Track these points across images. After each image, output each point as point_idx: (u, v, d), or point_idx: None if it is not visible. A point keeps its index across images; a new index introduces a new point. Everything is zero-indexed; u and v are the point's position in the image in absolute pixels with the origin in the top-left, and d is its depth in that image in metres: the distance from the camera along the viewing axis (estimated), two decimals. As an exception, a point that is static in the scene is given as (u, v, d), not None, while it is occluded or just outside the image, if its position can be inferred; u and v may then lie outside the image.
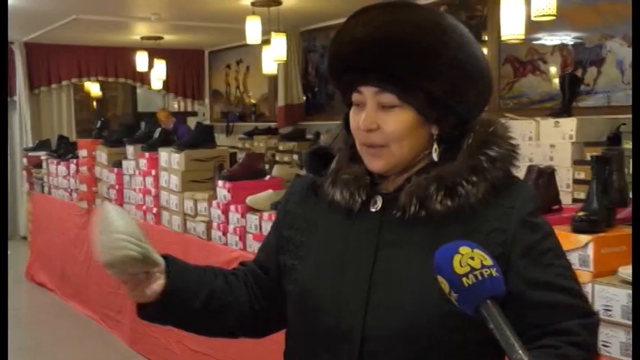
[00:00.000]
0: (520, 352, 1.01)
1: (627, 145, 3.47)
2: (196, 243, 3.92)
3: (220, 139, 7.98)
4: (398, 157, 1.27)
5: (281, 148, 6.51)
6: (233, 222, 3.66)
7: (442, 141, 1.27)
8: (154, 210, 4.43)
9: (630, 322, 1.93)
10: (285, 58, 6.63)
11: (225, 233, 3.71)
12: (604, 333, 1.98)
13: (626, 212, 2.36)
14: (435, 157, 1.27)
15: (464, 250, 1.08)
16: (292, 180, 1.47)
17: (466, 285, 1.06)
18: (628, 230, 2.22)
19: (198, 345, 3.88)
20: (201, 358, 3.84)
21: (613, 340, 1.97)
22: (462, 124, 1.26)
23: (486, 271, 1.06)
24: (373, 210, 1.29)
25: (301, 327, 1.26)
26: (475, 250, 1.08)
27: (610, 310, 1.97)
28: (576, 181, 3.74)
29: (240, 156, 4.25)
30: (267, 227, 3.40)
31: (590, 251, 2.05)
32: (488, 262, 1.08)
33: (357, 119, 1.28)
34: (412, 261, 1.22)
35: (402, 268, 1.23)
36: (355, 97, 1.28)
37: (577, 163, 3.70)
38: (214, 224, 3.80)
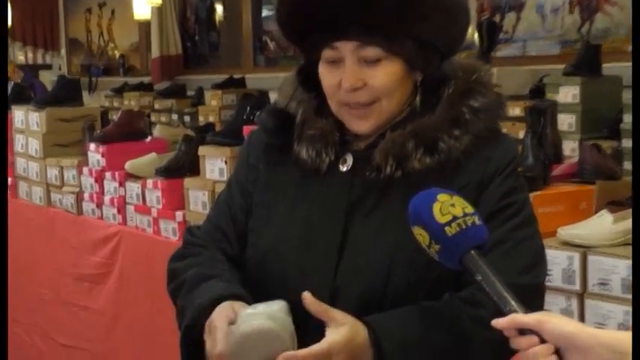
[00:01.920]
0: (513, 303, 1.06)
1: (551, 97, 3.61)
2: (64, 218, 3.83)
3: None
4: (387, 114, 1.30)
5: (157, 106, 6.35)
6: (109, 192, 3.59)
7: (423, 88, 1.31)
8: (9, 180, 4.25)
9: (572, 287, 2.03)
10: (161, 1, 6.45)
11: (99, 205, 3.64)
12: (548, 302, 2.07)
13: (562, 169, 2.48)
14: (418, 105, 1.30)
15: (443, 197, 1.12)
16: (250, 131, 1.47)
17: (449, 235, 1.09)
18: (565, 188, 2.33)
19: (69, 339, 3.81)
20: (75, 353, 3.78)
21: (553, 307, 2.06)
22: (442, 62, 1.30)
23: (469, 219, 1.10)
24: (343, 169, 1.31)
25: (261, 299, 1.26)
26: (455, 197, 1.12)
27: (549, 275, 2.06)
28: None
29: (114, 115, 4.12)
30: (151, 197, 3.34)
31: (528, 211, 2.14)
32: (470, 209, 1.12)
33: (335, 78, 1.28)
34: (386, 225, 1.25)
35: (374, 233, 1.26)
36: (327, 53, 1.28)
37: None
38: (86, 195, 3.72)
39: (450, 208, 1.10)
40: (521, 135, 2.59)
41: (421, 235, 1.12)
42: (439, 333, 1.20)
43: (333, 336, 1.14)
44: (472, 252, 1.09)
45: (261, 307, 1.19)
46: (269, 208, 1.35)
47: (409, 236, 1.15)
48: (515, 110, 3.46)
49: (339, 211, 1.28)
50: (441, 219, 1.09)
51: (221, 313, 1.22)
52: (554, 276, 2.07)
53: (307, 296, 1.16)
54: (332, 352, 1.13)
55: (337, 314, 1.16)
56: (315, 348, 1.12)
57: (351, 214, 1.28)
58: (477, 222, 1.11)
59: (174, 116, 6.04)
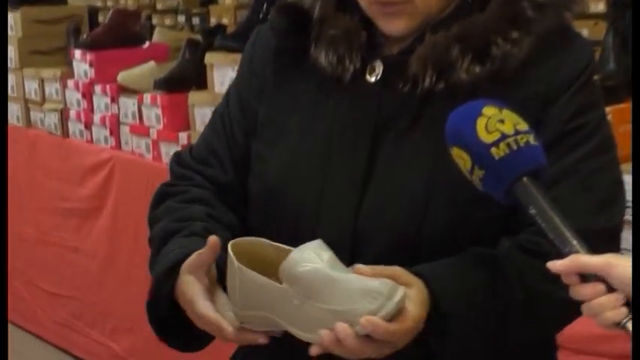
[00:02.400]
0: (575, 243, 1.05)
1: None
2: (47, 141, 3.88)
3: (69, -5, 7.69)
4: (424, 13, 1.27)
5: (159, 6, 6.33)
6: (100, 109, 3.62)
7: None
8: (-21, 96, 4.30)
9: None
10: None
11: (88, 125, 3.67)
12: (624, 238, 2.05)
13: (652, 76, 2.43)
14: None
15: (489, 110, 1.10)
16: (257, 28, 1.46)
17: (497, 157, 1.08)
18: (655, 100, 2.29)
19: (55, 285, 3.90)
20: (62, 302, 3.88)
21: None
22: None
23: (522, 138, 1.09)
24: (371, 80, 1.29)
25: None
26: (505, 111, 1.11)
27: (629, 207, 2.04)
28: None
29: (105, 16, 4.17)
30: (150, 115, 3.36)
31: (607, 128, 2.11)
32: (523, 126, 1.10)
33: None
34: (423, 150, 1.24)
35: (408, 159, 1.25)
36: None
37: (577, 17, 3.75)
38: (72, 113, 3.74)
39: (498, 124, 1.09)
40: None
41: (461, 157, 1.11)
42: (504, 290, 1.20)
43: (414, 311, 1.14)
44: (524, 179, 1.08)
45: (314, 256, 1.14)
46: (277, 128, 1.35)
47: (452, 164, 1.15)
48: (599, 5, 3.39)
49: (364, 131, 1.27)
50: (487, 138, 1.08)
51: (199, 301, 1.21)
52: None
53: (361, 268, 1.15)
54: (416, 327, 1.14)
55: (399, 272, 1.16)
56: (403, 325, 1.12)
57: (379, 135, 1.27)
58: (532, 142, 1.10)
59: (181, 18, 6.02)
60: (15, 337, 4.00)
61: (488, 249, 1.22)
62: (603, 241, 1.16)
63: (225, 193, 1.37)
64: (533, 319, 1.22)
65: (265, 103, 1.37)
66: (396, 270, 1.15)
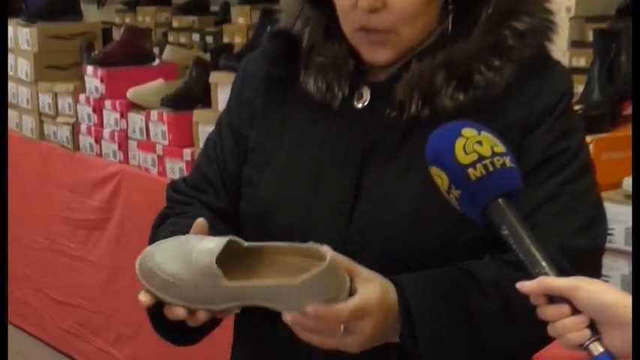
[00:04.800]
0: (544, 264, 1.06)
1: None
2: (58, 154, 3.92)
3: (89, 11, 7.71)
4: (408, 43, 1.28)
5: (176, 24, 6.31)
6: (109, 124, 3.66)
7: (455, 6, 1.28)
8: (-4, 108, 4.32)
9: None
10: None
11: (98, 140, 3.71)
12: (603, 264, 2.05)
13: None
14: (449, 28, 1.28)
15: (468, 132, 1.11)
16: (246, 57, 1.48)
17: (473, 179, 1.09)
18: (638, 130, 2.29)
19: (63, 294, 3.92)
20: (71, 310, 3.90)
21: (613, 273, 2.04)
22: None
23: (498, 161, 1.10)
24: (358, 106, 1.31)
25: None
26: (483, 134, 1.12)
27: (611, 234, 2.04)
28: (575, 70, 3.79)
29: (118, 33, 4.19)
30: (156, 132, 3.41)
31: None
32: (500, 148, 1.11)
33: None
34: (410, 172, 1.25)
35: (395, 181, 1.26)
36: None
37: (576, 45, 3.74)
38: (83, 127, 3.79)
39: (475, 146, 1.10)
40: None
41: (439, 177, 1.12)
42: (479, 298, 1.20)
43: (366, 292, 1.15)
44: (499, 200, 1.10)
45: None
46: (266, 153, 1.36)
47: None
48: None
49: (352, 155, 1.28)
50: (464, 159, 1.10)
51: None
52: (617, 236, 2.03)
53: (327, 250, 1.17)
54: (366, 310, 1.15)
55: (362, 269, 1.18)
56: (350, 303, 1.13)
57: (367, 159, 1.28)
58: (509, 164, 1.11)
59: (195, 36, 6.02)
60: (23, 342, 4.08)
61: (470, 262, 1.23)
62: (586, 261, 1.19)
63: (221, 219, 1.38)
64: (511, 330, 1.21)
65: (255, 128, 1.38)
66: (358, 265, 1.17)
